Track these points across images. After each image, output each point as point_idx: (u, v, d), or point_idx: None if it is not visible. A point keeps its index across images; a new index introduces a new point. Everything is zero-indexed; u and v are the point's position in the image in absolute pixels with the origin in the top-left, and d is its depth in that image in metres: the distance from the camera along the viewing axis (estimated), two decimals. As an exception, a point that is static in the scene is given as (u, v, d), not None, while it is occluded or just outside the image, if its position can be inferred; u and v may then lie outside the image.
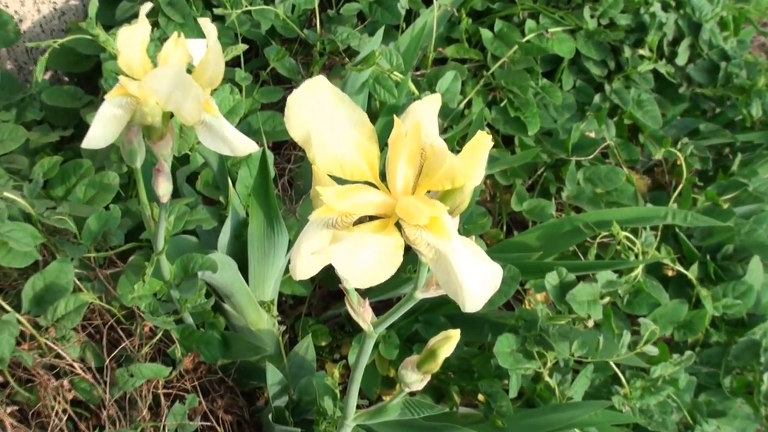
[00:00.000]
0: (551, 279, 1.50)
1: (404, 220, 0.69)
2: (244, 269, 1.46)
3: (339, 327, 1.77)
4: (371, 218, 0.72)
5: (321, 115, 0.72)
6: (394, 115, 0.73)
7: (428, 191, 0.72)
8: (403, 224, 0.70)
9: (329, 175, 0.73)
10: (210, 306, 1.36)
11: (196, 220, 1.45)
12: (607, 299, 1.56)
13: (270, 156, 1.49)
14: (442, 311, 1.59)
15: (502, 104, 1.90)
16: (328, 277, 1.67)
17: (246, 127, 1.70)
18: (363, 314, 0.93)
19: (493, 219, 1.81)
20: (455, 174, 0.68)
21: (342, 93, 0.72)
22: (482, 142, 0.69)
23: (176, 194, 1.49)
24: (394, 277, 0.68)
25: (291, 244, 1.46)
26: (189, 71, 0.95)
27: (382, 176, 0.73)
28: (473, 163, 0.69)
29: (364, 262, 0.67)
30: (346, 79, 1.71)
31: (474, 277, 0.69)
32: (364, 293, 0.92)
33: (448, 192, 0.71)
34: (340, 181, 0.72)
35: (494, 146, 1.89)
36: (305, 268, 0.72)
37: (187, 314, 1.38)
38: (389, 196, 0.72)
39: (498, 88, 1.92)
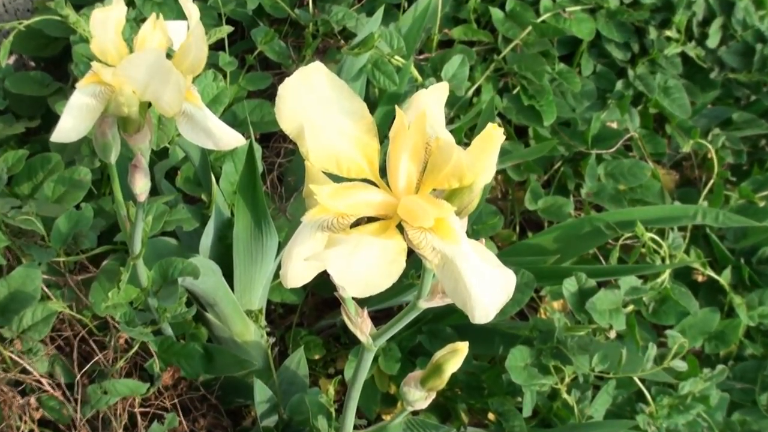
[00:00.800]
0: (569, 285, 1.51)
1: (407, 222, 0.70)
2: (228, 275, 1.46)
3: (334, 338, 1.78)
4: (370, 220, 0.73)
5: (316, 106, 0.72)
6: (396, 106, 0.73)
7: (433, 189, 0.73)
8: (406, 226, 0.70)
9: (324, 172, 0.74)
10: (191, 315, 1.36)
11: (176, 221, 1.45)
12: (630, 308, 1.57)
13: (258, 149, 1.49)
14: (448, 321, 1.59)
15: (514, 92, 1.90)
16: (321, 283, 1.67)
17: (231, 118, 1.70)
18: (361, 325, 0.93)
19: (504, 219, 1.81)
20: (463, 171, 0.69)
21: (340, 80, 0.72)
22: (493, 136, 0.69)
23: (154, 192, 1.49)
24: (396, 283, 0.68)
25: (281, 246, 1.46)
26: (169, 56, 0.95)
27: (383, 173, 0.73)
28: (483, 158, 0.69)
29: (363, 268, 0.67)
30: (341, 64, 1.71)
31: (484, 285, 0.69)
32: (362, 302, 0.93)
33: (456, 191, 0.71)
34: (336, 179, 0.73)
35: (506, 138, 1.90)
36: (297, 274, 0.73)
37: (166, 325, 1.39)
38: (390, 196, 0.72)
39: (510, 74, 1.92)
